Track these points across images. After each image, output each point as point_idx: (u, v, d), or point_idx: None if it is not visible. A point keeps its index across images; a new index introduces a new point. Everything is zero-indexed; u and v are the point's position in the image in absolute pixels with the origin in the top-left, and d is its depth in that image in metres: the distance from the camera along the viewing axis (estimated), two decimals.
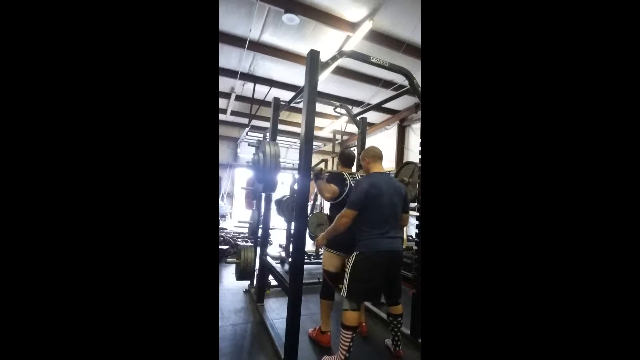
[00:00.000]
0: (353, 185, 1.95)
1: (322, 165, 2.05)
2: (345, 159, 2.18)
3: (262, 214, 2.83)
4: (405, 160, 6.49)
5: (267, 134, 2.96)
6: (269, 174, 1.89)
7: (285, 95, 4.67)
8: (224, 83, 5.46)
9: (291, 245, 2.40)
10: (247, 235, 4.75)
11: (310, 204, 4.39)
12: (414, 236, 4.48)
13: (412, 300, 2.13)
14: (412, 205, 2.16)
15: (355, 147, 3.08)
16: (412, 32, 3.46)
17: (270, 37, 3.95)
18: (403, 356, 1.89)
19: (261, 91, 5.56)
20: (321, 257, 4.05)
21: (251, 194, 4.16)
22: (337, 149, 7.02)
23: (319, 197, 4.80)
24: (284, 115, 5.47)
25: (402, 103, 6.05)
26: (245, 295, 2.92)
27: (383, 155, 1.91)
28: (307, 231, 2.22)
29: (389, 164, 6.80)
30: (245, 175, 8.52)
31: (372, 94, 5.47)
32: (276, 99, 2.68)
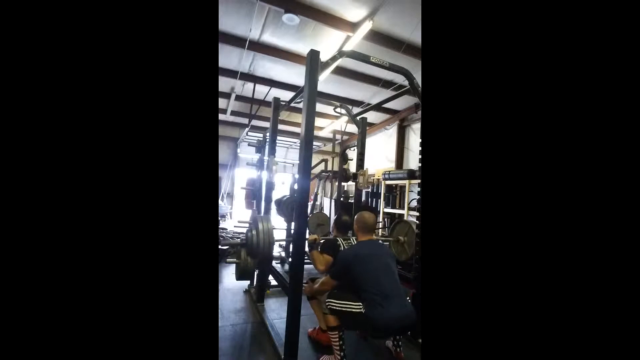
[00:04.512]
0: None
1: (315, 236, 2.04)
2: (341, 226, 2.22)
3: (262, 214, 2.83)
4: (405, 160, 6.49)
5: (267, 134, 2.96)
6: (263, 251, 1.78)
7: (285, 95, 4.66)
8: (224, 83, 5.46)
9: (291, 245, 2.41)
10: None
11: (310, 204, 4.39)
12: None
13: (412, 300, 2.12)
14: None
15: (355, 147, 3.08)
16: (412, 32, 3.46)
17: (270, 37, 3.95)
18: (403, 357, 1.89)
19: (261, 91, 5.56)
20: None
21: (251, 194, 4.16)
22: (337, 149, 7.02)
23: (319, 197, 4.80)
24: (284, 115, 5.48)
25: (402, 103, 6.05)
26: (245, 295, 2.93)
27: (375, 222, 1.90)
28: (307, 231, 2.22)
29: (389, 164, 6.79)
30: (245, 175, 8.53)
31: (372, 94, 5.47)
32: (276, 99, 2.68)
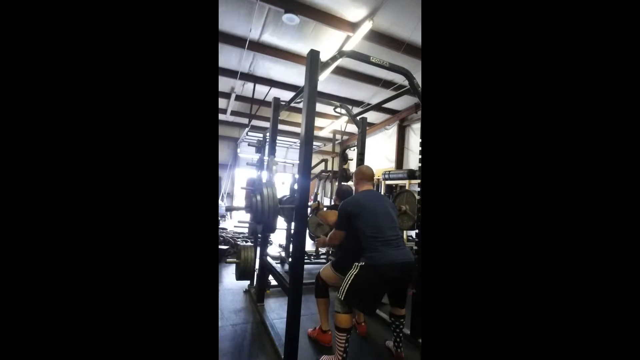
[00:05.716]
0: None
1: (316, 203, 2.34)
2: (342, 194, 2.36)
3: None
4: (405, 160, 6.49)
5: (267, 134, 2.96)
6: (267, 216, 1.89)
7: (285, 95, 4.67)
8: (224, 83, 5.47)
9: (291, 245, 2.41)
10: (247, 235, 4.75)
11: (310, 203, 4.39)
12: (414, 236, 4.48)
13: (412, 300, 2.13)
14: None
15: (355, 147, 3.08)
16: (412, 32, 3.47)
17: (270, 37, 3.96)
18: (403, 357, 1.89)
19: (261, 91, 5.57)
20: (322, 257, 4.06)
21: (251, 194, 4.16)
22: (337, 149, 7.02)
23: (319, 197, 4.80)
24: (284, 115, 5.48)
25: (402, 103, 6.06)
26: (245, 295, 2.92)
27: (373, 173, 2.00)
28: (307, 231, 2.24)
29: (389, 164, 6.80)
30: (245, 175, 8.53)
31: (372, 94, 5.48)
32: (276, 99, 2.68)
